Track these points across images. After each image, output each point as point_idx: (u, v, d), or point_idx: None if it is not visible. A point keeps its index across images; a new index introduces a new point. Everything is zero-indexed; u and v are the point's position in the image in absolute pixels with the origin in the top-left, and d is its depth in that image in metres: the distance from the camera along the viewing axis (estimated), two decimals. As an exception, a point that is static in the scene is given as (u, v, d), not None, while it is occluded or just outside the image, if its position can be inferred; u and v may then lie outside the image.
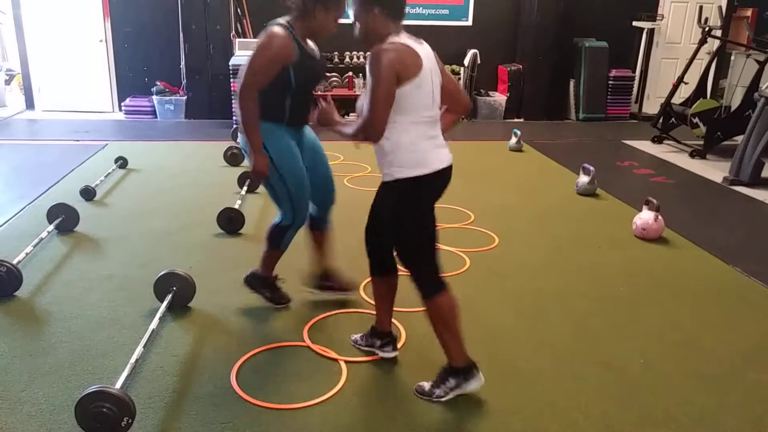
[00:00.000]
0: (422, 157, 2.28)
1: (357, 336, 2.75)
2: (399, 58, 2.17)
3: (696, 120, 6.63)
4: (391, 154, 2.27)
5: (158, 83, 7.96)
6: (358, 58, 8.27)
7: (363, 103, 2.22)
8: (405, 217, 2.35)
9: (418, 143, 2.27)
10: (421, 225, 2.37)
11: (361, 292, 3.23)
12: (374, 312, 2.70)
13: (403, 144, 2.25)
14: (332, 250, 3.13)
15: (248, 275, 3.08)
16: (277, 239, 2.91)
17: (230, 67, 7.11)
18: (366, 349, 2.69)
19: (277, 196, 2.82)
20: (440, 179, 2.37)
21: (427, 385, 2.42)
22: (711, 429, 2.26)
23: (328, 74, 7.96)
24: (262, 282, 3.08)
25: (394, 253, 2.51)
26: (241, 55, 7.27)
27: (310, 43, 2.74)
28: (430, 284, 2.40)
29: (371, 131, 2.19)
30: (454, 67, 8.33)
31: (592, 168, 5.08)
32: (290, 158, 2.74)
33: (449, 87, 2.42)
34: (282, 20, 2.66)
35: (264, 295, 3.09)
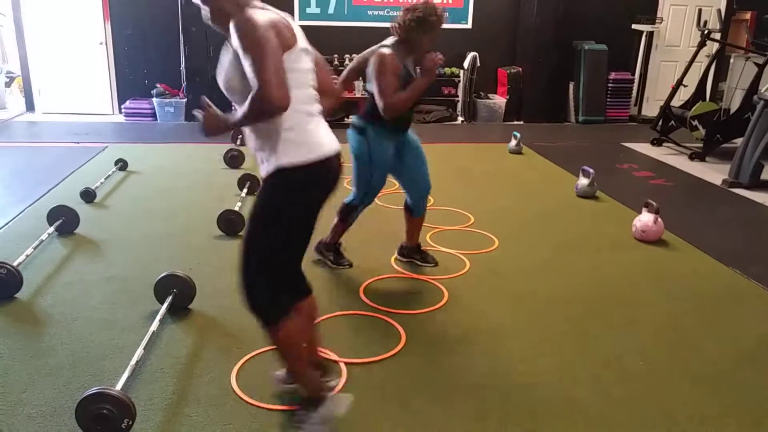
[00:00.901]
0: (309, 140, 1.95)
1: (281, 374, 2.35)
2: (274, 22, 1.84)
3: (695, 122, 6.64)
4: (272, 139, 1.93)
5: (158, 85, 7.97)
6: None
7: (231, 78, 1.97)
8: (282, 216, 1.95)
9: (302, 123, 1.94)
10: (300, 228, 2.01)
11: (361, 295, 3.23)
12: (372, 315, 2.69)
13: (285, 125, 1.90)
14: (419, 232, 3.66)
15: (318, 243, 3.61)
16: (347, 215, 3.50)
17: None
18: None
19: (358, 180, 3.37)
20: (331, 170, 2.03)
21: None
22: (711, 430, 2.26)
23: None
24: (329, 247, 3.62)
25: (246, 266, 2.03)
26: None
27: (408, 62, 3.22)
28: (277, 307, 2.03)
29: (271, 101, 1.76)
30: (454, 69, 8.35)
31: (591, 170, 5.09)
32: (384, 160, 3.31)
33: (321, 72, 2.14)
34: (387, 43, 3.16)
35: (328, 258, 3.61)
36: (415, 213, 3.60)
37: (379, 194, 3.55)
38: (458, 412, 2.33)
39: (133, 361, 2.39)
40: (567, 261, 3.80)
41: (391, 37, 3.19)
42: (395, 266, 3.62)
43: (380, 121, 3.17)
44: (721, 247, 4.06)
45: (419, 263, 3.68)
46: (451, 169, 5.90)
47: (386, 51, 3.09)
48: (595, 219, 4.64)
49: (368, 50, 3.22)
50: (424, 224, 3.67)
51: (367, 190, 3.38)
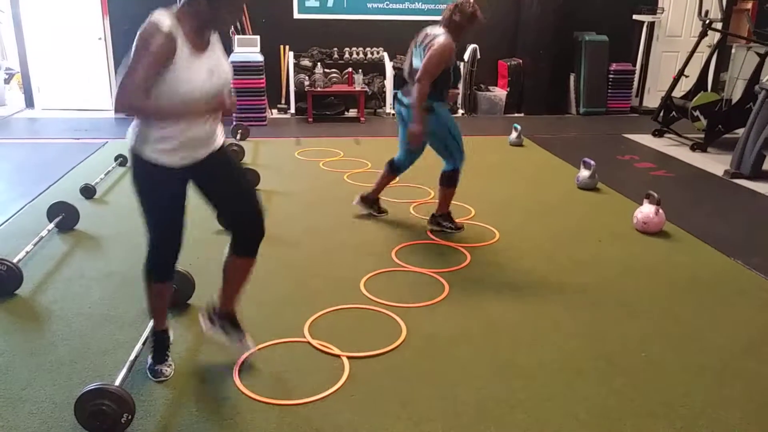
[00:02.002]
0: None
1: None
2: None
3: (697, 113, 6.62)
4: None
5: (158, 81, 7.94)
6: (358, 54, 8.25)
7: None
8: None
9: None
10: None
11: (362, 289, 3.23)
12: (373, 308, 2.69)
13: None
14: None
15: (433, 217, 4.07)
16: (454, 180, 3.97)
17: (229, 64, 7.10)
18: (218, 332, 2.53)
19: (448, 149, 3.88)
20: None
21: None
22: (712, 421, 2.26)
23: (327, 71, 7.94)
24: (445, 217, 4.05)
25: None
26: (241, 52, 7.27)
27: None
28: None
29: None
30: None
31: (592, 162, 5.07)
32: (454, 121, 3.90)
33: None
34: (442, 32, 3.67)
35: (444, 227, 4.04)
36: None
37: (383, 189, 4.30)
38: (459, 405, 2.32)
39: (132, 357, 2.39)
40: (568, 253, 3.79)
41: (440, 27, 3.71)
42: (396, 259, 3.61)
43: (438, 95, 3.72)
44: (723, 238, 4.05)
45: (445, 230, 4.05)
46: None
47: (451, 42, 3.64)
48: (596, 211, 4.63)
49: (424, 33, 3.77)
50: (424, 217, 3.65)
51: (460, 148, 3.94)
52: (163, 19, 2.03)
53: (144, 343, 2.51)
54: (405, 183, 5.00)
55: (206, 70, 2.13)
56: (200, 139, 2.22)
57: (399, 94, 3.90)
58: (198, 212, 4.26)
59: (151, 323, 2.56)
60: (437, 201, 4.07)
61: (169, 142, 2.14)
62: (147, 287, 2.43)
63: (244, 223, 2.41)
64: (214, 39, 2.20)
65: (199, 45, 2.12)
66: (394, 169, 4.16)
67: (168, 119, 2.10)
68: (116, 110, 2.11)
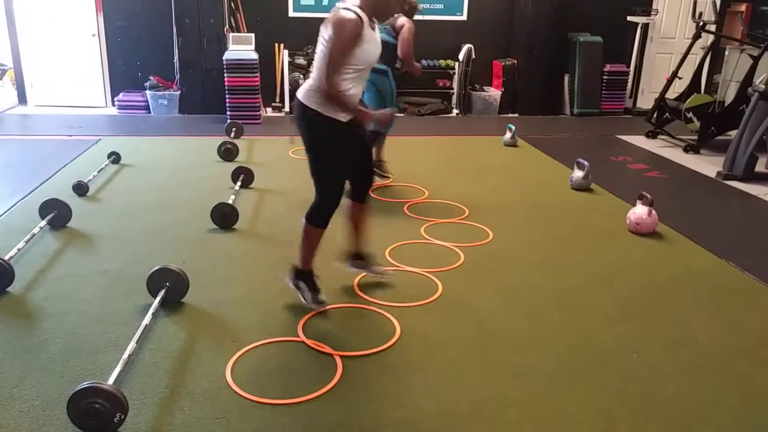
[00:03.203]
0: None
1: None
2: None
3: (690, 115, 6.64)
4: None
5: (151, 78, 7.92)
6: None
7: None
8: None
9: None
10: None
11: (356, 289, 3.23)
12: (367, 308, 2.70)
13: None
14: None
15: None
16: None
17: (224, 62, 7.09)
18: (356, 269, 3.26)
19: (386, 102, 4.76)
20: None
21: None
22: (704, 422, 2.27)
23: (310, 70, 7.87)
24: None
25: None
26: (235, 50, 7.25)
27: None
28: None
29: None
30: (449, 61, 8.32)
31: (586, 163, 5.09)
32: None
33: None
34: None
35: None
36: None
37: (372, 187, 4.00)
38: (452, 405, 2.33)
39: (125, 355, 2.38)
40: (561, 253, 3.80)
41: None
42: (390, 259, 3.61)
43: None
44: (716, 239, 4.07)
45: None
46: (445, 161, 5.88)
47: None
48: (590, 211, 4.64)
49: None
50: (419, 217, 3.64)
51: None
52: (352, 14, 2.64)
53: (137, 342, 2.50)
54: (400, 183, 5.00)
55: (374, 44, 2.80)
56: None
57: None
58: (192, 211, 4.28)
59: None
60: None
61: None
62: (308, 233, 2.93)
63: (363, 175, 3.09)
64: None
65: (371, 27, 2.77)
66: (375, 137, 4.60)
67: (346, 107, 2.74)
68: (323, 92, 2.69)
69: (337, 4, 2.74)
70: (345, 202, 3.02)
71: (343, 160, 2.87)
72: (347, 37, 2.61)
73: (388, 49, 4.38)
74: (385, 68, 4.62)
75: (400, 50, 4.58)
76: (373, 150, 4.63)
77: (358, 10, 2.66)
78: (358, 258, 3.28)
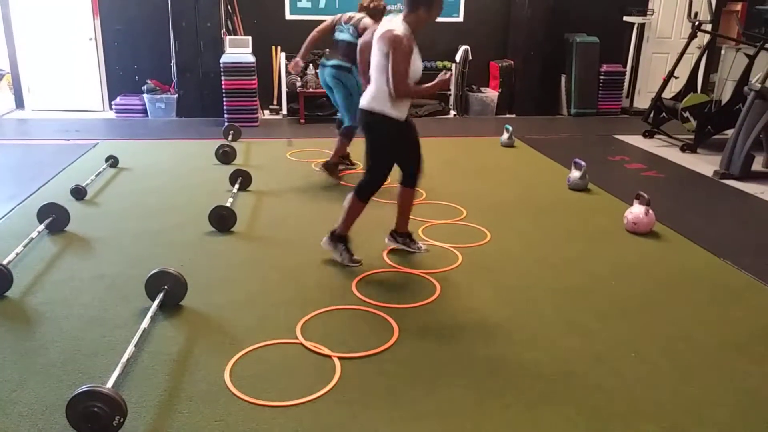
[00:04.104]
0: None
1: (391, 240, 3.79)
2: None
3: (687, 114, 6.66)
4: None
5: (149, 81, 7.92)
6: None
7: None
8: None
9: None
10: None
11: (354, 290, 3.23)
12: (365, 309, 2.71)
13: None
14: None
15: (327, 164, 5.23)
16: (351, 134, 5.14)
17: (221, 65, 7.09)
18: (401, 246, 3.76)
19: (349, 107, 5.01)
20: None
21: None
22: (701, 420, 2.28)
23: (308, 73, 7.85)
24: (332, 166, 5.18)
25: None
26: (232, 53, 7.26)
27: None
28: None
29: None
30: (446, 63, 8.33)
31: (583, 163, 5.10)
32: (362, 88, 4.36)
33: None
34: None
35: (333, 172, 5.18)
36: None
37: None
38: (451, 405, 2.33)
39: (124, 359, 2.38)
40: (559, 253, 3.81)
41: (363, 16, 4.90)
42: (387, 260, 3.62)
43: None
44: (713, 238, 4.08)
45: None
46: (443, 162, 5.89)
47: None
48: (587, 211, 4.65)
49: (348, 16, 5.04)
50: (417, 218, 3.68)
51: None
52: (405, 29, 3.16)
53: (136, 345, 2.50)
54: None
55: (418, 57, 3.26)
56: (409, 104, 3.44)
57: (323, 60, 5.10)
58: (190, 214, 4.29)
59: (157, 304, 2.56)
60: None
61: (404, 105, 3.34)
62: (354, 206, 3.49)
63: (415, 163, 3.56)
64: None
65: (414, 40, 3.21)
66: (350, 132, 5.07)
67: (421, 95, 3.53)
68: (397, 96, 3.22)
69: (385, 21, 3.38)
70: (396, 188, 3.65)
71: (397, 152, 3.48)
72: (406, 51, 3.14)
73: (350, 48, 4.82)
74: (348, 66, 4.88)
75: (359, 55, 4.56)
76: (342, 145, 5.21)
77: (405, 27, 3.17)
78: (400, 235, 3.78)
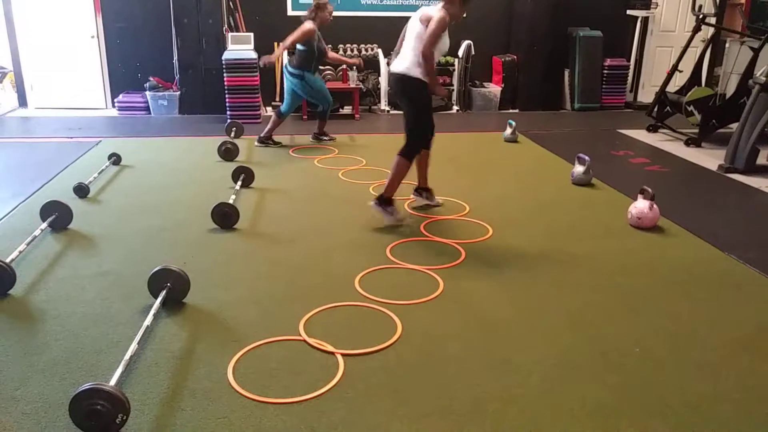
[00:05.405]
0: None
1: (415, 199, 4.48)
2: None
3: (691, 108, 6.63)
4: None
5: (151, 79, 7.92)
6: (352, 51, 8.23)
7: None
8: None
9: None
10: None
11: (357, 286, 3.23)
12: (368, 306, 2.70)
13: None
14: None
15: (316, 135, 6.56)
16: (325, 115, 6.49)
17: (223, 62, 7.08)
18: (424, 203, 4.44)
19: (318, 99, 6.30)
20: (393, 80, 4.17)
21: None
22: (707, 417, 2.26)
23: (321, 67, 7.89)
24: (317, 136, 6.51)
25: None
26: (234, 50, 7.25)
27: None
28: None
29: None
30: (449, 58, 8.31)
31: (587, 158, 5.08)
32: (320, 81, 6.33)
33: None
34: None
35: (323, 139, 6.48)
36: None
37: (375, 185, 4.80)
38: (455, 402, 2.32)
39: (127, 356, 2.38)
40: (562, 248, 3.79)
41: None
42: (390, 257, 3.61)
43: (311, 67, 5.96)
44: (718, 232, 4.06)
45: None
46: (446, 158, 5.88)
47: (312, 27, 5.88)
48: (591, 206, 4.63)
49: None
50: (419, 214, 3.67)
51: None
52: (444, 14, 3.84)
53: (139, 342, 2.50)
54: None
55: (447, 36, 3.95)
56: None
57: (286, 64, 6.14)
58: (193, 211, 4.29)
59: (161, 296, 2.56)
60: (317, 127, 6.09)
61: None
62: (401, 167, 4.04)
63: (431, 127, 4.18)
64: None
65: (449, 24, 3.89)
66: (282, 114, 6.21)
67: (431, 69, 3.90)
68: (423, 51, 3.83)
69: (431, 5, 4.04)
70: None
71: (429, 112, 4.13)
72: (444, 25, 3.81)
73: (300, 55, 5.85)
74: (300, 72, 5.91)
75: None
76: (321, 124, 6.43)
77: (444, 10, 3.85)
78: (424, 190, 4.45)
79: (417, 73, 3.91)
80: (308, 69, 5.88)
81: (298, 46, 5.77)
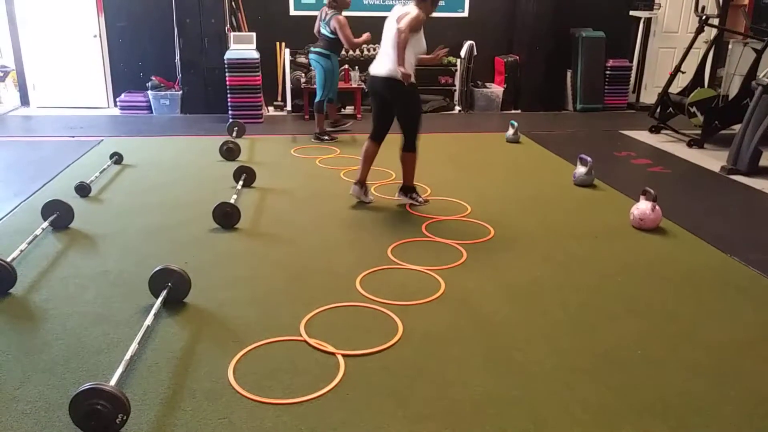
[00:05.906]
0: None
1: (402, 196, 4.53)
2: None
3: (693, 109, 6.61)
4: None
5: (153, 78, 7.92)
6: (354, 51, 8.21)
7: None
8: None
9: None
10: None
11: (358, 287, 3.22)
12: (369, 306, 2.69)
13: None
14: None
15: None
16: (322, 107, 6.56)
17: (225, 61, 7.08)
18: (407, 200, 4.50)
19: (323, 85, 6.47)
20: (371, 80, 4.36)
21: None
22: (708, 418, 2.26)
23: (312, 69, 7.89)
24: (318, 135, 6.61)
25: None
26: (236, 49, 7.25)
27: None
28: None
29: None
30: (451, 58, 8.30)
31: (589, 159, 5.07)
32: (338, 70, 6.67)
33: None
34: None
35: (323, 138, 6.55)
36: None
37: (376, 185, 4.79)
38: (456, 403, 2.32)
39: (127, 356, 2.38)
40: (564, 249, 3.78)
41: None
42: (392, 257, 3.60)
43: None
44: (720, 234, 4.05)
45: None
46: (448, 158, 5.87)
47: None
48: (593, 207, 4.62)
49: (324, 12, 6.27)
50: (421, 214, 3.67)
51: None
52: (418, 11, 4.01)
53: (139, 343, 2.49)
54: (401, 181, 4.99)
55: (423, 38, 4.19)
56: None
57: (311, 47, 6.47)
58: (194, 211, 4.28)
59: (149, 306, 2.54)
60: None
61: (412, 70, 4.12)
62: (410, 159, 4.36)
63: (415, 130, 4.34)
64: None
65: (422, 25, 4.10)
66: (320, 105, 6.47)
67: (402, 54, 3.97)
68: (398, 37, 3.93)
69: (399, 7, 4.21)
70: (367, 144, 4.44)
71: (419, 102, 4.43)
72: (418, 19, 3.98)
73: (329, 41, 6.20)
74: (327, 53, 6.23)
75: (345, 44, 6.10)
76: (320, 118, 6.54)
77: (418, 10, 4.02)
78: (409, 190, 4.53)
79: (399, 73, 4.04)
80: (336, 52, 6.30)
81: (329, 34, 6.15)
